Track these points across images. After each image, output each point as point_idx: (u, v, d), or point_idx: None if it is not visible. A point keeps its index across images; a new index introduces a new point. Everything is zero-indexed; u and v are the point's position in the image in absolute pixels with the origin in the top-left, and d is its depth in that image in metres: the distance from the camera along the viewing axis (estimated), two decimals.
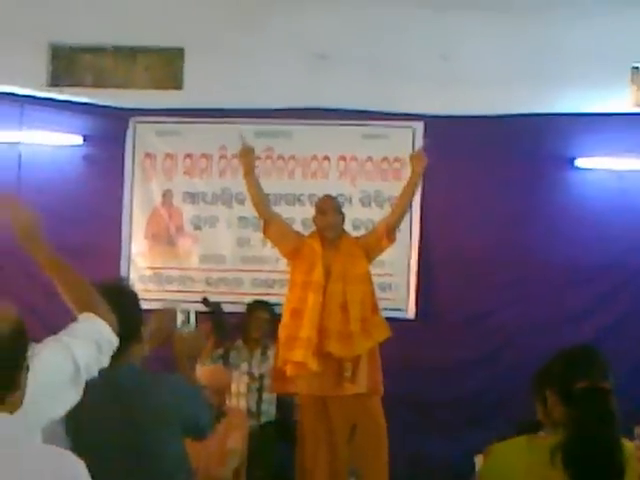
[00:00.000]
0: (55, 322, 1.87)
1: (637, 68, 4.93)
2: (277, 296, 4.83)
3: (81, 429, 2.39)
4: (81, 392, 1.88)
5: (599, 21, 4.84)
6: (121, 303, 2.33)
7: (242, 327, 4.77)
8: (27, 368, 1.60)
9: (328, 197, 4.41)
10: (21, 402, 1.60)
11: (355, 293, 4.07)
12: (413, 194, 4.21)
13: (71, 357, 1.86)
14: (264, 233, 4.31)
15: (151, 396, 2.52)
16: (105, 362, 1.93)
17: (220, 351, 4.66)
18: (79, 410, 2.08)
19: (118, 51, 5.22)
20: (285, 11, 5.01)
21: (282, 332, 4.16)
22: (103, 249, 5.17)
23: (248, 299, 4.92)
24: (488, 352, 4.99)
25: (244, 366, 4.63)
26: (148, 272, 5.22)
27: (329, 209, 4.23)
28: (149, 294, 4.98)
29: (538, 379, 2.57)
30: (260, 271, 5.17)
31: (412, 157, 4.17)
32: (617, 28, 4.87)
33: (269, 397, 4.61)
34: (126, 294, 2.55)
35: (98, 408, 2.39)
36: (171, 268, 5.25)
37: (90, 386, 2.08)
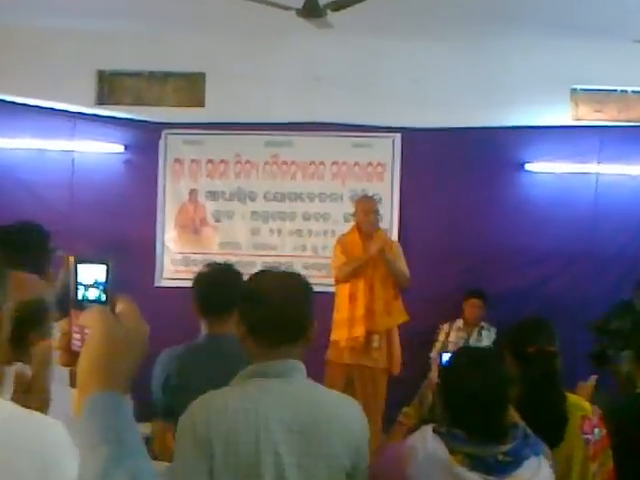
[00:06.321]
0: None
1: (575, 89, 5.82)
2: None
3: (186, 385, 2.60)
4: None
5: (544, 50, 5.58)
6: (227, 281, 2.79)
7: None
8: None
9: (369, 199, 5.05)
10: None
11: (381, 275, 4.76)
12: (390, 266, 4.83)
13: None
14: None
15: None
16: None
17: None
18: (186, 368, 2.62)
19: (152, 76, 5.96)
20: (286, 42, 5.70)
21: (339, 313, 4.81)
22: (141, 236, 5.78)
23: None
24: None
25: None
26: (179, 256, 5.86)
27: (370, 211, 4.90)
28: (179, 274, 5.66)
29: (498, 343, 3.01)
30: (269, 255, 5.82)
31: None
32: (560, 56, 5.61)
33: None
34: (231, 272, 2.91)
35: (204, 368, 2.63)
36: (196, 253, 5.85)
37: (196, 348, 2.63)
